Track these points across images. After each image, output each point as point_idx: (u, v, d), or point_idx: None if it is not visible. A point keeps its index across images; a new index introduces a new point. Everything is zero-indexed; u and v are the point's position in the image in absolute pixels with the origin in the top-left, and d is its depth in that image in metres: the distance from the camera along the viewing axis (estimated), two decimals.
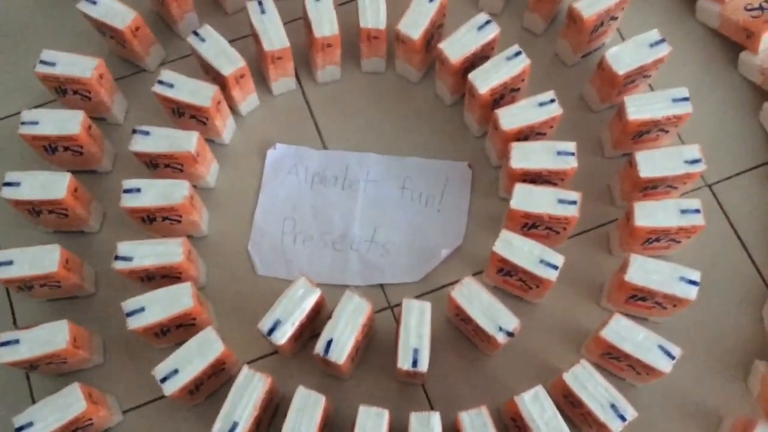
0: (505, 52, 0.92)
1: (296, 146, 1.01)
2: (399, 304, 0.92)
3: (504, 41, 0.97)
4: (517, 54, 0.92)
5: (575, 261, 0.92)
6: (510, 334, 0.81)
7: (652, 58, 0.91)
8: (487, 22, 0.94)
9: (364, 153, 1.00)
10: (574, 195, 0.86)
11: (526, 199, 0.86)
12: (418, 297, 0.94)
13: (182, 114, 0.95)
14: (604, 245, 0.95)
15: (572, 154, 0.88)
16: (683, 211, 0.85)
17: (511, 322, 0.81)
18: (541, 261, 0.84)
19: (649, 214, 0.85)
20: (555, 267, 0.83)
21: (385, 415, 0.78)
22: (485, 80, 0.91)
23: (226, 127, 0.99)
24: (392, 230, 0.97)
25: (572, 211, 0.86)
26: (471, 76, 0.92)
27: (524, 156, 0.88)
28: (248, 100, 1.01)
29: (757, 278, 0.93)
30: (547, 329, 0.91)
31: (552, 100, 0.90)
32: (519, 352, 0.90)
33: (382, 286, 0.95)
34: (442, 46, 0.93)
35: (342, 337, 0.81)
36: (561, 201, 0.86)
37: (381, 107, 1.03)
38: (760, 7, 0.97)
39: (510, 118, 0.90)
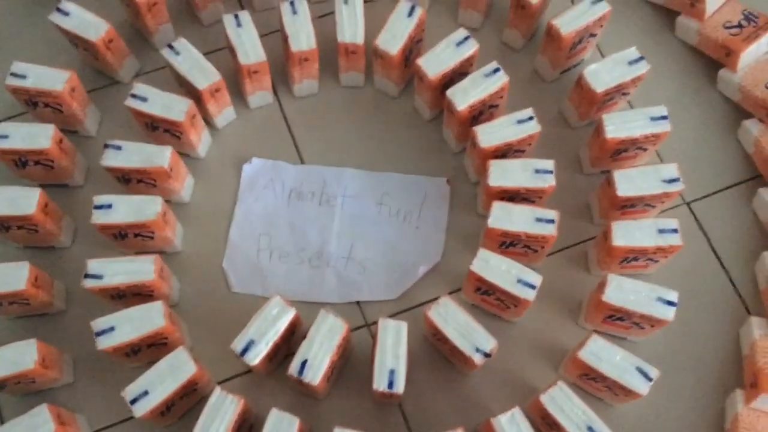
0: (484, 69, 0.92)
1: (273, 160, 1.00)
2: (376, 322, 0.91)
3: (483, 57, 0.96)
4: (496, 71, 0.92)
5: (554, 279, 0.91)
6: (487, 355, 0.80)
7: (631, 76, 0.91)
8: (466, 38, 0.93)
9: (341, 168, 0.99)
10: (552, 213, 0.85)
11: (504, 217, 0.86)
12: (395, 315, 0.93)
13: (156, 128, 0.93)
14: (583, 263, 0.94)
15: (550, 172, 0.87)
16: (661, 231, 0.84)
17: (488, 343, 0.81)
18: (519, 280, 0.83)
19: (626, 234, 0.84)
20: (533, 287, 0.83)
21: None
22: (464, 97, 0.91)
23: (201, 141, 0.98)
24: (370, 247, 0.95)
25: (550, 230, 0.85)
26: (449, 92, 0.91)
27: (502, 174, 0.88)
28: (224, 113, 1.00)
29: (734, 297, 0.92)
30: (525, 348, 0.90)
31: (530, 118, 0.90)
32: (497, 371, 0.89)
33: (359, 303, 0.94)
34: (420, 62, 0.92)
35: (317, 358, 0.80)
36: (539, 219, 0.85)
37: (359, 122, 1.02)
38: (739, 25, 0.97)
39: (488, 135, 0.89)
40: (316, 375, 0.79)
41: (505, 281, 0.83)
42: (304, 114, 1.03)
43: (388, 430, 0.86)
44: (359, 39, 0.95)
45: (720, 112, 1.01)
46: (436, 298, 0.91)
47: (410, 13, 0.95)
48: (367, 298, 0.93)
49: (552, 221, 0.85)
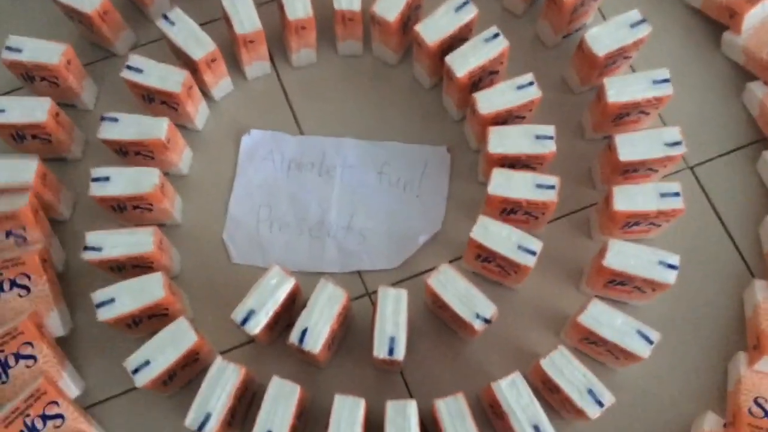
0: (483, 34, 0.90)
1: (272, 132, 0.99)
2: (377, 291, 0.91)
3: (483, 22, 0.95)
4: (496, 36, 0.90)
5: (555, 245, 0.91)
6: (487, 321, 0.80)
7: (632, 39, 0.90)
8: (465, 3, 0.92)
9: (341, 138, 0.99)
10: (553, 180, 0.85)
11: (504, 184, 0.85)
12: (396, 283, 0.92)
13: (153, 100, 0.93)
14: (585, 229, 0.94)
15: (551, 137, 0.86)
16: (663, 195, 0.83)
17: (489, 309, 0.80)
18: (519, 247, 0.82)
19: (628, 199, 0.83)
20: (533, 253, 0.82)
21: (361, 403, 0.77)
22: (463, 63, 0.90)
23: (199, 113, 0.97)
24: (370, 216, 0.95)
25: (551, 196, 0.84)
26: (448, 59, 0.90)
27: (502, 141, 0.87)
28: (221, 84, 0.99)
29: (738, 261, 0.92)
30: (526, 314, 0.90)
31: (531, 83, 0.89)
32: (498, 337, 0.89)
33: (359, 273, 0.93)
34: (419, 28, 0.91)
35: (317, 326, 0.80)
36: (539, 186, 0.85)
37: (358, 91, 1.01)
38: None
39: (488, 101, 0.88)
40: (316, 343, 0.79)
41: (505, 248, 0.82)
42: (303, 84, 1.02)
43: (390, 397, 0.86)
44: (356, 6, 0.94)
45: (724, 75, 1.00)
46: (436, 267, 0.92)
47: None
48: (367, 268, 0.93)
49: (552, 187, 0.84)
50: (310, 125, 1.00)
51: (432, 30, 0.91)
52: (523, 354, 0.88)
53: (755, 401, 0.81)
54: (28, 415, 0.80)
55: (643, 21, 0.90)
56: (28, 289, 0.85)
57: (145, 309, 0.81)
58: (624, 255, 0.81)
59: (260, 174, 0.97)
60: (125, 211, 0.89)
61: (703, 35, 1.02)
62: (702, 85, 1.00)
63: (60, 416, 0.81)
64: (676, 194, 0.83)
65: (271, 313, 0.81)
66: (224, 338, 0.90)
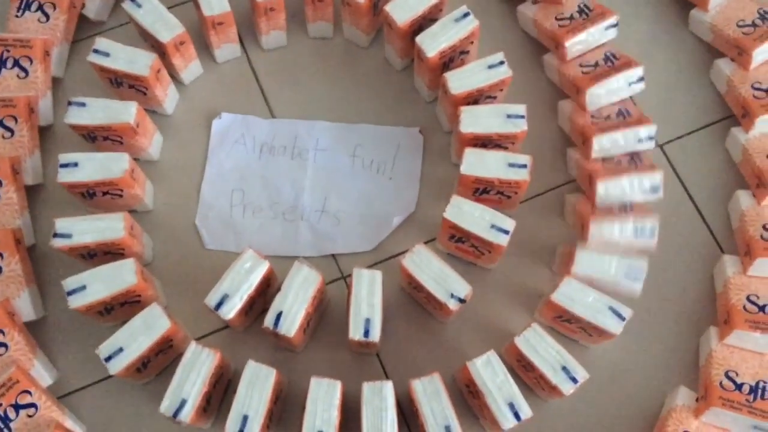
0: (453, 14, 0.90)
1: (243, 115, 0.98)
2: (352, 274, 0.91)
3: (454, 2, 0.94)
4: (466, 15, 0.90)
5: (528, 225, 0.91)
6: (462, 301, 0.80)
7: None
8: None
9: (313, 121, 0.98)
10: (525, 158, 0.85)
11: (477, 164, 0.85)
12: (371, 266, 0.92)
13: (121, 84, 0.91)
14: (558, 209, 0.94)
15: (522, 116, 0.87)
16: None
17: (463, 289, 0.81)
18: (492, 226, 0.83)
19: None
20: (506, 232, 0.82)
21: (338, 385, 0.77)
22: (433, 43, 0.89)
23: (168, 97, 0.96)
24: (343, 199, 0.95)
25: (523, 175, 0.84)
26: (418, 39, 0.89)
27: (474, 120, 0.87)
28: (190, 68, 0.98)
29: (708, 237, 0.93)
30: (501, 294, 0.91)
31: (501, 62, 0.89)
32: (473, 317, 0.89)
33: (334, 256, 0.93)
34: (388, 8, 0.91)
35: (292, 310, 0.80)
36: (511, 165, 0.85)
37: (329, 73, 1.01)
38: None
39: (459, 81, 0.88)
40: (291, 327, 0.79)
41: (478, 227, 0.83)
42: (273, 67, 1.01)
43: (366, 379, 0.86)
44: None
45: (692, 52, 1.01)
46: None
47: None
48: (342, 251, 0.93)
49: (525, 166, 0.85)
50: (282, 108, 0.99)
51: (402, 10, 0.91)
52: (498, 333, 0.89)
53: (726, 375, 0.82)
54: (0, 405, 0.79)
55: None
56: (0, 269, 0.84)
57: (117, 296, 0.80)
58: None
59: (232, 158, 0.96)
60: (95, 197, 0.88)
61: (672, 14, 1.03)
62: (670, 63, 1.00)
63: (33, 405, 0.80)
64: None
65: (245, 298, 0.80)
66: (199, 324, 0.89)
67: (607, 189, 0.86)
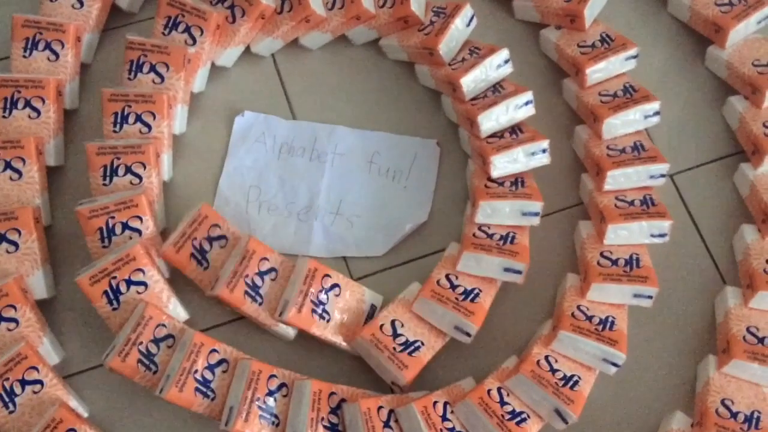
0: (517, 99, 0.92)
1: (265, 115, 1.00)
2: (361, 278, 0.93)
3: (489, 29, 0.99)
4: (527, 103, 0.93)
5: (537, 245, 0.93)
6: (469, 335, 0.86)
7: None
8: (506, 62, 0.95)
9: (333, 125, 1.00)
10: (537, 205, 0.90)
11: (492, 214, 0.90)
12: (380, 271, 0.94)
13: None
14: (567, 230, 0.96)
15: (537, 214, 0.90)
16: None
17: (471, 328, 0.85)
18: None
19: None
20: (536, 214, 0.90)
21: (309, 384, 0.81)
22: (489, 124, 0.92)
23: (200, 74, 0.98)
24: (358, 204, 0.96)
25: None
26: (480, 118, 0.91)
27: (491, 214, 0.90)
28: (228, 52, 1.00)
29: (711, 267, 0.95)
30: (503, 313, 0.92)
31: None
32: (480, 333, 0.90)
33: (345, 258, 0.95)
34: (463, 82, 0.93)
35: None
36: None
37: (353, 80, 1.03)
38: (730, 3, 0.99)
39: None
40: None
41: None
42: (298, 69, 1.03)
43: (371, 382, 0.87)
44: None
45: (707, 88, 1.03)
46: (422, 256, 0.94)
47: None
48: (353, 254, 0.94)
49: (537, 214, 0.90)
50: (303, 111, 1.01)
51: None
52: (505, 347, 0.90)
53: (722, 402, 0.84)
54: (7, 379, 0.80)
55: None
56: (16, 245, 0.85)
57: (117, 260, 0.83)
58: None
59: (251, 155, 0.98)
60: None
61: (689, 49, 1.05)
62: (685, 97, 1.03)
63: (39, 382, 0.81)
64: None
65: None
66: (207, 315, 0.90)
67: (617, 232, 0.89)
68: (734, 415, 0.83)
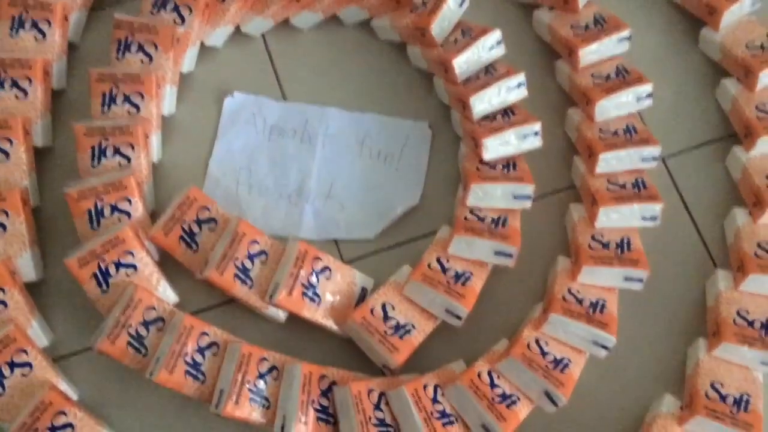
0: (511, 80, 0.91)
1: (255, 96, 0.99)
2: (352, 261, 0.93)
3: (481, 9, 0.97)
4: (519, 86, 0.92)
5: (529, 228, 0.92)
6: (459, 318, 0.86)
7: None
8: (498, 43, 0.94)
9: (324, 107, 0.99)
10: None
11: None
12: (371, 254, 0.94)
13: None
14: (559, 213, 0.96)
15: (529, 197, 0.90)
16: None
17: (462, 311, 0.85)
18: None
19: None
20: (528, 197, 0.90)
21: (299, 367, 0.81)
22: (482, 106, 0.91)
23: (189, 54, 0.97)
24: (349, 186, 0.96)
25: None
26: (472, 100, 0.90)
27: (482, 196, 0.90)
28: (217, 32, 0.98)
29: (702, 251, 0.95)
30: (496, 295, 0.92)
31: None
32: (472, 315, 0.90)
33: (336, 241, 0.94)
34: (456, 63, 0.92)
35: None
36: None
37: (344, 61, 1.02)
38: None
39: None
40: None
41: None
42: (288, 50, 1.02)
43: (364, 366, 0.88)
44: None
45: (700, 70, 1.03)
46: (413, 239, 0.93)
47: None
48: (344, 237, 0.94)
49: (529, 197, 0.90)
50: (294, 92, 1.00)
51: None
52: (495, 331, 0.90)
53: (712, 385, 0.84)
54: None
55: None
56: (4, 227, 0.84)
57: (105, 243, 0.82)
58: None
59: (242, 137, 0.97)
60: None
61: (682, 31, 1.04)
62: (678, 79, 1.02)
63: (28, 364, 0.81)
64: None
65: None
66: (197, 298, 0.90)
67: (608, 215, 0.89)
68: (723, 398, 0.83)
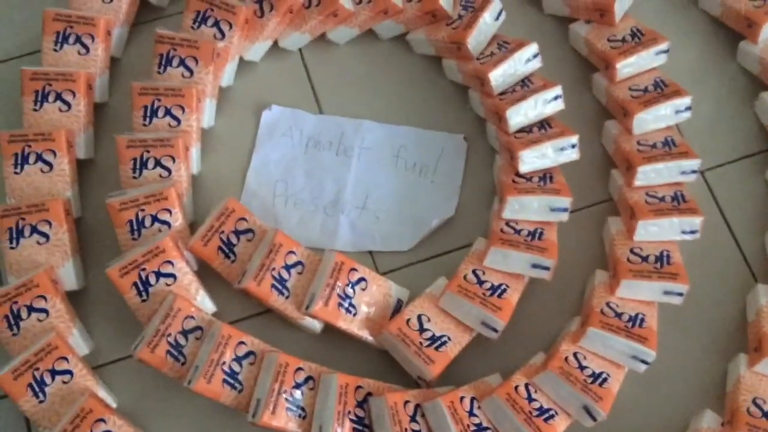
0: (546, 94, 0.92)
1: (292, 109, 1.00)
2: (388, 272, 0.93)
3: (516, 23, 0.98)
4: (556, 98, 0.92)
5: (565, 241, 0.92)
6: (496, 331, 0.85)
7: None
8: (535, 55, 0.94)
9: (360, 120, 1.00)
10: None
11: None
12: (406, 266, 0.94)
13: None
14: (596, 226, 0.95)
15: (566, 209, 0.90)
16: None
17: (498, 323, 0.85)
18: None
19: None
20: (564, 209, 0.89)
21: (335, 378, 0.81)
22: (518, 118, 0.91)
23: (229, 68, 0.99)
24: (384, 198, 0.96)
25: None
26: (509, 113, 0.90)
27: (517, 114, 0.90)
28: (255, 47, 1.00)
29: (742, 265, 0.93)
30: (531, 307, 0.92)
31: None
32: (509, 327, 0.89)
33: (371, 253, 0.95)
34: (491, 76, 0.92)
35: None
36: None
37: (379, 74, 1.03)
38: None
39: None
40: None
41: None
42: (325, 64, 1.03)
43: (396, 377, 0.87)
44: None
45: (739, 84, 1.02)
46: (449, 251, 0.93)
47: None
48: (379, 248, 0.94)
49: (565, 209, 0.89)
50: (330, 105, 1.01)
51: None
52: (530, 344, 0.90)
53: (754, 401, 0.83)
54: (37, 369, 0.81)
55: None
56: (47, 236, 0.86)
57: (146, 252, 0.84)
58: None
59: (278, 150, 0.98)
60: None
61: (721, 44, 1.04)
62: (716, 93, 1.02)
63: (69, 372, 0.82)
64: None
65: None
66: (234, 308, 0.91)
67: (647, 228, 0.88)
68: (766, 414, 0.81)
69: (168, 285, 0.84)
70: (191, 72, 0.94)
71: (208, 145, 0.98)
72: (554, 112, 0.93)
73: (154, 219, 0.86)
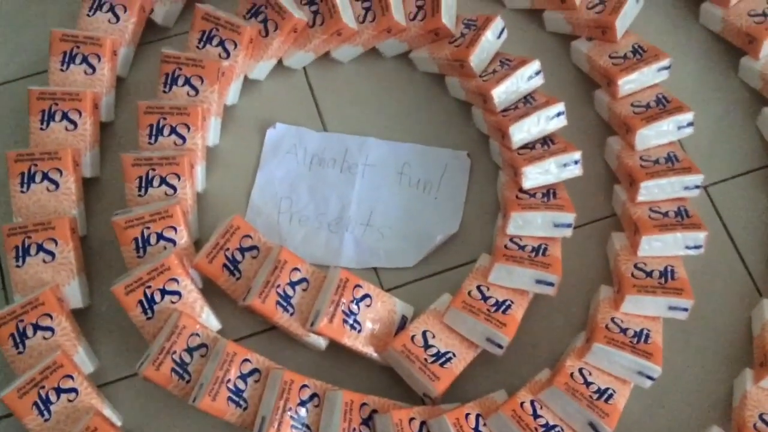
0: (550, 110, 0.92)
1: (296, 127, 1.01)
2: (392, 289, 0.93)
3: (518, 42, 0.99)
4: (559, 114, 0.93)
5: (568, 257, 0.92)
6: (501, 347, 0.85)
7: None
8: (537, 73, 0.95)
9: (363, 137, 1.00)
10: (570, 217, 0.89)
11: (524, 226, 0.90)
12: (410, 282, 0.94)
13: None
14: (599, 242, 0.95)
15: (561, 113, 0.91)
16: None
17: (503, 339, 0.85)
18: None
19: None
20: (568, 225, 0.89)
21: (340, 395, 0.81)
22: (521, 135, 0.92)
23: (233, 87, 1.00)
24: (388, 215, 0.97)
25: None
26: (511, 129, 0.91)
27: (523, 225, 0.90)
28: (260, 65, 1.01)
29: (747, 280, 0.93)
30: (535, 323, 0.92)
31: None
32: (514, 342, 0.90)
33: (376, 269, 0.95)
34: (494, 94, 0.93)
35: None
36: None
37: (382, 92, 1.03)
38: (764, 13, 0.98)
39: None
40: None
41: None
42: (328, 81, 1.04)
43: (401, 393, 0.87)
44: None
45: (741, 99, 1.02)
46: (453, 268, 0.93)
47: None
48: (383, 265, 0.95)
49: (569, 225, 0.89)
50: (334, 122, 1.02)
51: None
52: (535, 360, 0.90)
53: (761, 417, 0.82)
54: (42, 387, 0.81)
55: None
56: (53, 255, 0.86)
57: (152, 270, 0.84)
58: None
59: (283, 167, 0.99)
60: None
61: (722, 60, 1.04)
62: (718, 108, 1.02)
63: (74, 390, 0.82)
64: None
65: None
66: (239, 325, 0.91)
67: (651, 244, 0.88)
68: None
69: (173, 302, 0.84)
70: (196, 91, 0.94)
71: (213, 163, 0.99)
72: (557, 129, 0.93)
73: (160, 237, 0.87)
